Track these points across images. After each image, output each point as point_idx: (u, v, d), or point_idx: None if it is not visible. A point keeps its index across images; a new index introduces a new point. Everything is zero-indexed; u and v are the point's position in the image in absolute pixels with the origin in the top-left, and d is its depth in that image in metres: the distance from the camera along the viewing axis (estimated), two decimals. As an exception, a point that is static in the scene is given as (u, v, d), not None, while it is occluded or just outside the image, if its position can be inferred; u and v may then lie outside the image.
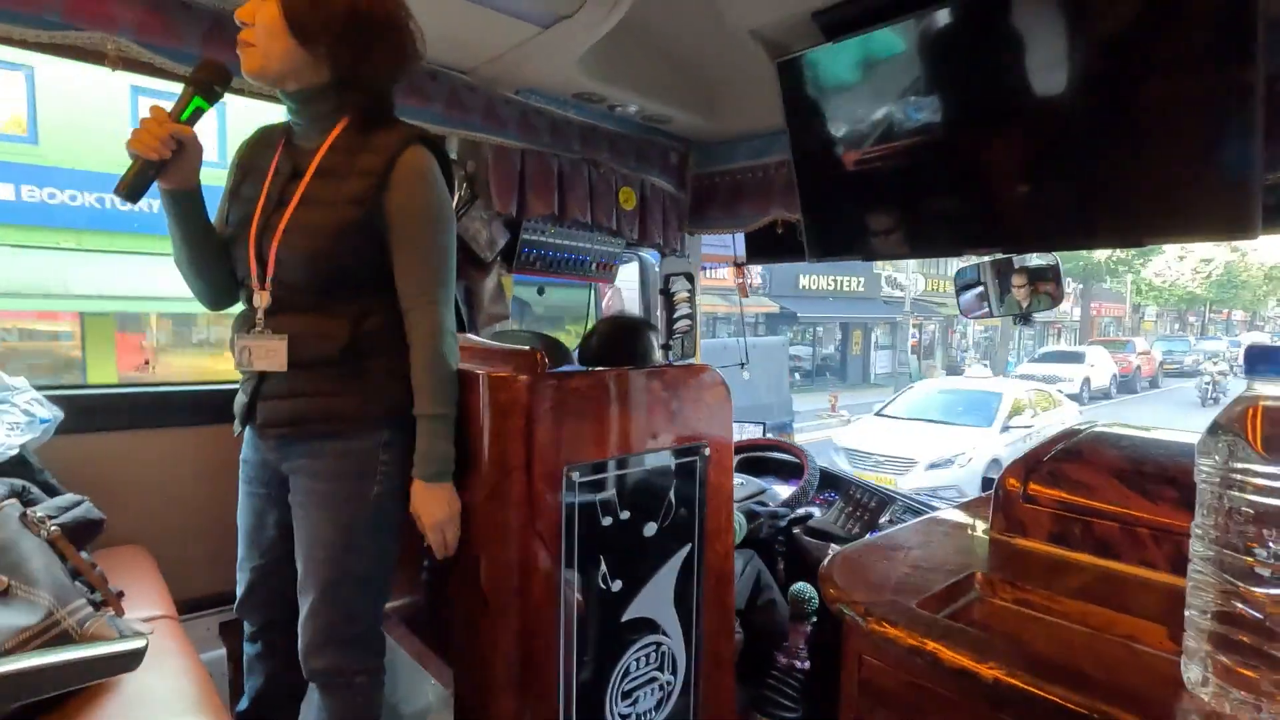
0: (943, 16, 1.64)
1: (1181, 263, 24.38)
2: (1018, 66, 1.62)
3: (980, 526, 0.73)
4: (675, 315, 2.51)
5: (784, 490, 2.19)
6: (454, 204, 1.90)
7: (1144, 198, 1.55)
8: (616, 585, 1.29)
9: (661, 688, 1.38)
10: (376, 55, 1.13)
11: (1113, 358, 18.10)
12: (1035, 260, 2.13)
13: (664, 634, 1.38)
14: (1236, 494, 0.42)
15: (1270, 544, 0.41)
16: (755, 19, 1.84)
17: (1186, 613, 0.45)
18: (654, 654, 1.36)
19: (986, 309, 2.26)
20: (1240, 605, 0.42)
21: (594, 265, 2.28)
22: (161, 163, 1.06)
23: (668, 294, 2.49)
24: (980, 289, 2.25)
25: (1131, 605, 0.52)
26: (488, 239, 1.86)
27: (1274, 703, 0.40)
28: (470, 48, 1.75)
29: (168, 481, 1.58)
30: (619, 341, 1.71)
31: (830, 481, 2.29)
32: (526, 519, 1.15)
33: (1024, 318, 2.06)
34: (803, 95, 1.97)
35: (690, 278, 2.55)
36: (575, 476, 1.20)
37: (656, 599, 1.36)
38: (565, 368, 1.46)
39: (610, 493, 1.26)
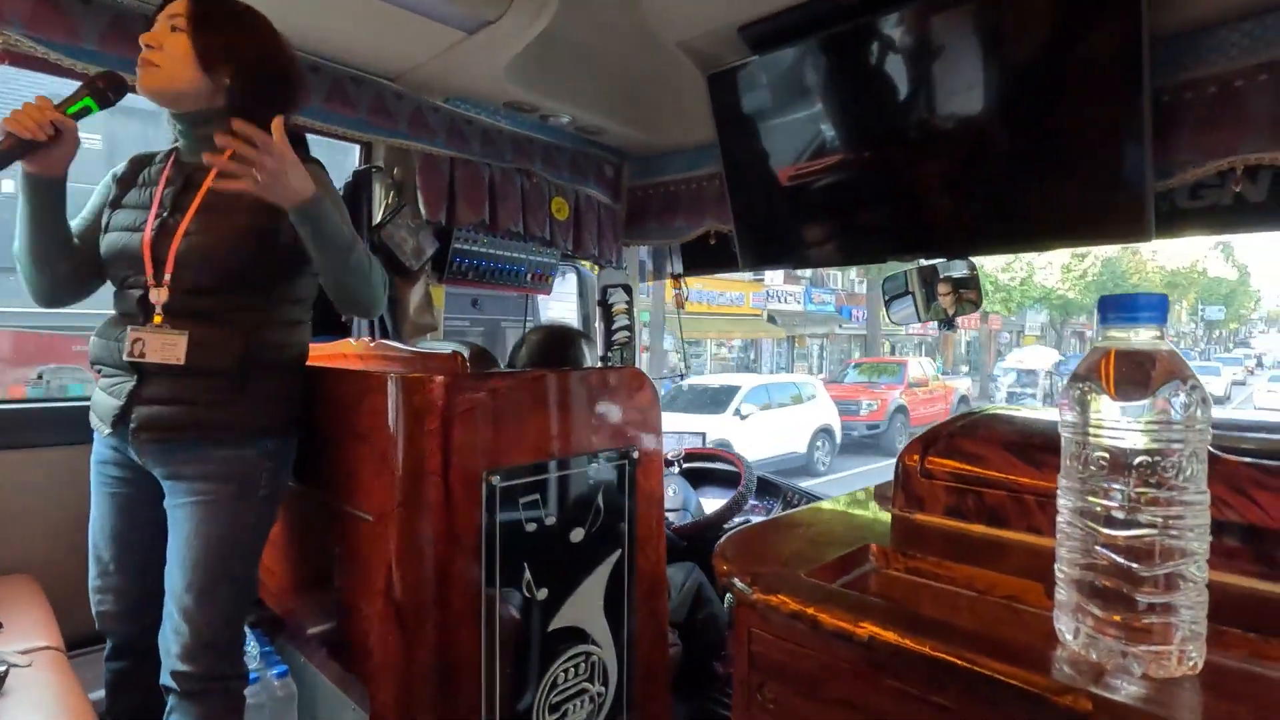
0: (863, 34, 1.70)
1: (1050, 266, 21.49)
2: (937, 85, 1.69)
3: (883, 505, 0.74)
4: (614, 326, 2.50)
5: (722, 500, 2.19)
6: (380, 211, 1.87)
7: (1052, 206, 1.64)
8: (542, 593, 1.25)
9: (592, 699, 1.34)
10: (270, 92, 1.17)
11: (869, 392, 12.43)
12: (958, 269, 2.21)
13: (594, 643, 1.34)
14: (1094, 439, 0.43)
15: (1122, 484, 0.42)
16: (683, 32, 1.87)
17: (1056, 566, 0.45)
18: (583, 664, 1.33)
19: (915, 315, 2.32)
20: (1101, 549, 0.42)
21: (529, 276, 2.25)
22: (33, 144, 1.04)
23: (605, 305, 2.48)
24: (909, 297, 2.32)
25: (1016, 568, 0.52)
26: (414, 248, 1.82)
27: (1136, 644, 0.41)
28: (396, 54, 1.73)
29: (50, 506, 1.47)
30: (549, 351, 1.69)
31: (767, 488, 2.31)
32: (444, 527, 1.11)
33: (948, 323, 2.13)
34: (732, 108, 2.01)
35: (628, 289, 2.55)
36: (497, 481, 1.17)
37: (586, 607, 1.33)
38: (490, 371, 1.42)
39: (535, 497, 1.23)
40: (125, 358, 1.12)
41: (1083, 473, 0.44)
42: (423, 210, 1.88)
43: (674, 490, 2.28)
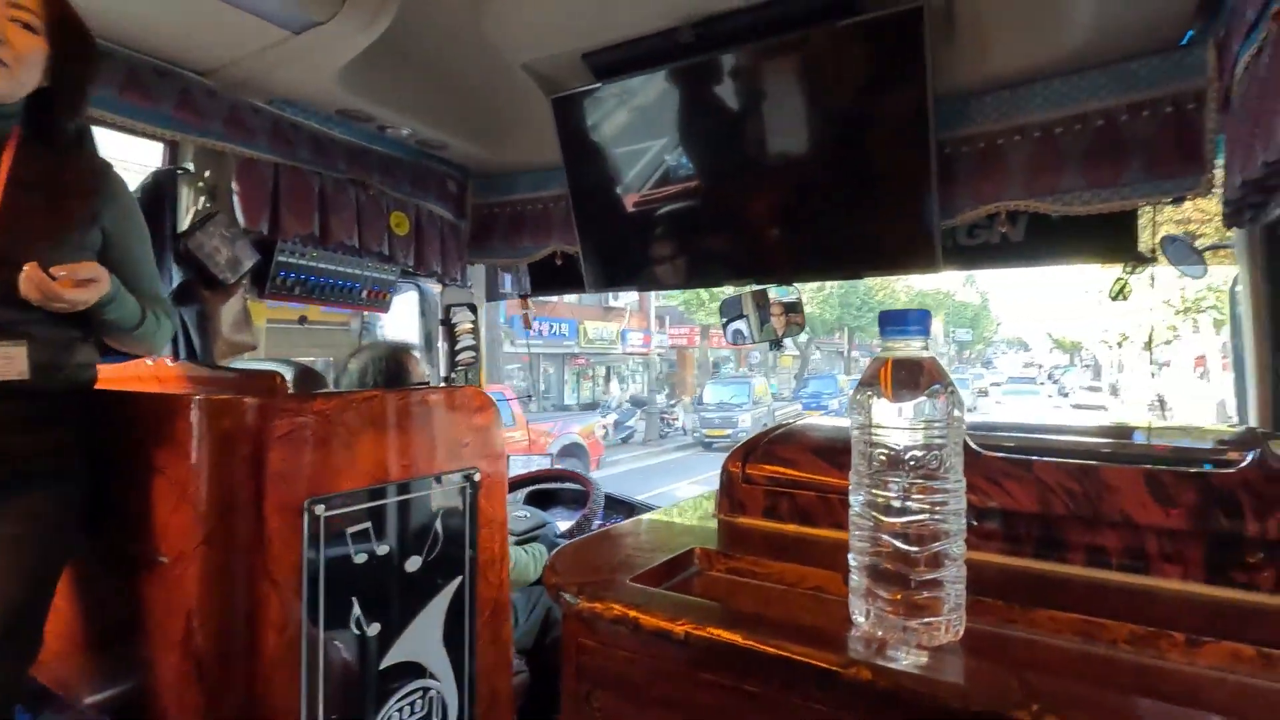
0: (702, 71, 1.81)
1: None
2: (768, 125, 1.83)
3: (711, 512, 0.78)
4: (458, 346, 2.42)
5: (572, 520, 2.18)
6: (189, 217, 1.68)
7: (863, 240, 1.84)
8: (373, 629, 1.17)
9: (430, 738, 1.27)
10: (83, 93, 1.14)
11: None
12: (786, 294, 2.40)
13: (432, 677, 1.27)
14: (877, 439, 0.48)
15: (899, 477, 0.47)
16: (527, 54, 1.88)
17: (849, 555, 0.50)
18: (420, 701, 1.25)
19: (749, 337, 2.48)
20: (884, 537, 0.47)
21: (365, 293, 2.13)
22: None
23: (449, 324, 2.40)
24: (744, 320, 2.48)
25: (822, 561, 0.56)
26: (229, 259, 1.66)
27: (914, 618, 0.46)
28: (208, 46, 1.57)
29: None
30: (375, 370, 1.61)
31: (616, 505, 2.33)
32: (257, 563, 1.00)
33: (777, 343, 2.30)
34: (577, 132, 2.05)
35: (474, 308, 2.49)
36: (321, 511, 1.08)
37: (422, 640, 1.26)
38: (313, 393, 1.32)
39: (365, 526, 1.15)
40: None
41: (868, 469, 0.49)
42: (240, 219, 1.72)
43: (524, 513, 2.24)
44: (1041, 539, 0.58)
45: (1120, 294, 1.70)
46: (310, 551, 1.06)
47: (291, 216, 1.79)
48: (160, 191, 1.65)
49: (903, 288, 27.87)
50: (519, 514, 2.21)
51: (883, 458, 0.48)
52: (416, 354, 1.72)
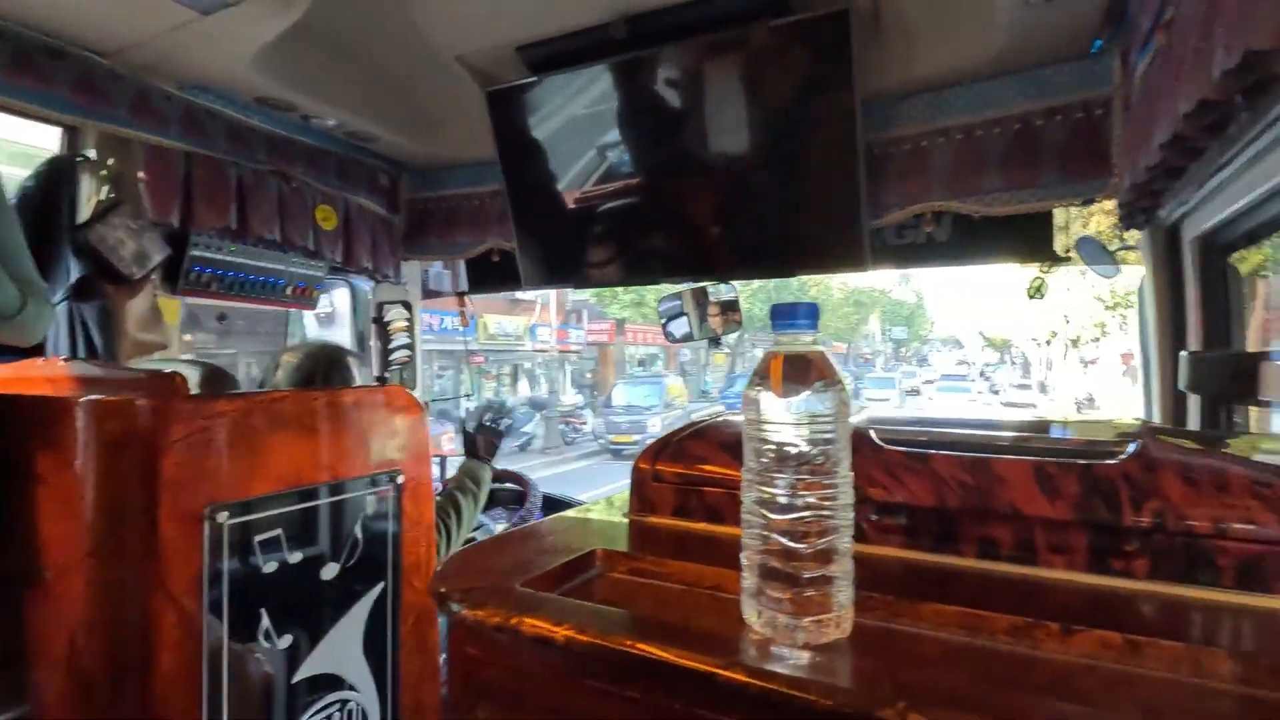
0: (639, 67, 1.79)
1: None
2: (704, 123, 1.83)
3: (624, 511, 0.76)
4: (391, 345, 2.35)
5: (505, 521, 2.14)
6: (90, 206, 1.58)
7: (798, 238, 1.86)
8: (285, 641, 1.11)
9: (350, 752, 1.22)
10: None
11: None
12: (724, 293, 2.41)
13: (351, 689, 1.22)
14: (766, 435, 0.47)
15: (787, 472, 0.46)
16: (460, 46, 1.84)
17: (741, 555, 0.49)
18: (339, 714, 1.20)
19: (690, 334, 2.49)
20: (772, 535, 0.46)
21: (289, 289, 2.04)
22: None
23: (382, 323, 2.33)
24: (684, 318, 2.48)
25: (723, 559, 0.55)
26: (135, 252, 1.56)
27: (803, 616, 0.45)
28: (107, 25, 1.48)
29: None
30: (309, 373, 1.54)
31: (556, 506, 2.30)
32: (150, 576, 0.94)
33: (716, 341, 2.31)
34: (513, 127, 2.01)
35: (408, 305, 2.42)
36: (224, 519, 1.02)
37: (341, 650, 1.21)
38: (217, 394, 1.26)
39: (275, 534, 1.09)
40: None
41: (758, 464, 0.48)
42: (148, 210, 1.62)
43: (457, 516, 2.19)
44: (938, 532, 0.59)
45: (1037, 292, 1.76)
46: (212, 561, 1.00)
47: (205, 208, 1.70)
48: (57, 180, 1.54)
49: (838, 284, 28.17)
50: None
51: (771, 453, 0.47)
52: (352, 357, 1.65)
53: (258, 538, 1.07)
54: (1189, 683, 0.40)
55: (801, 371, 0.47)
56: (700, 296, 2.40)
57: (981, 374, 38.23)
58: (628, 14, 1.65)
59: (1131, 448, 0.58)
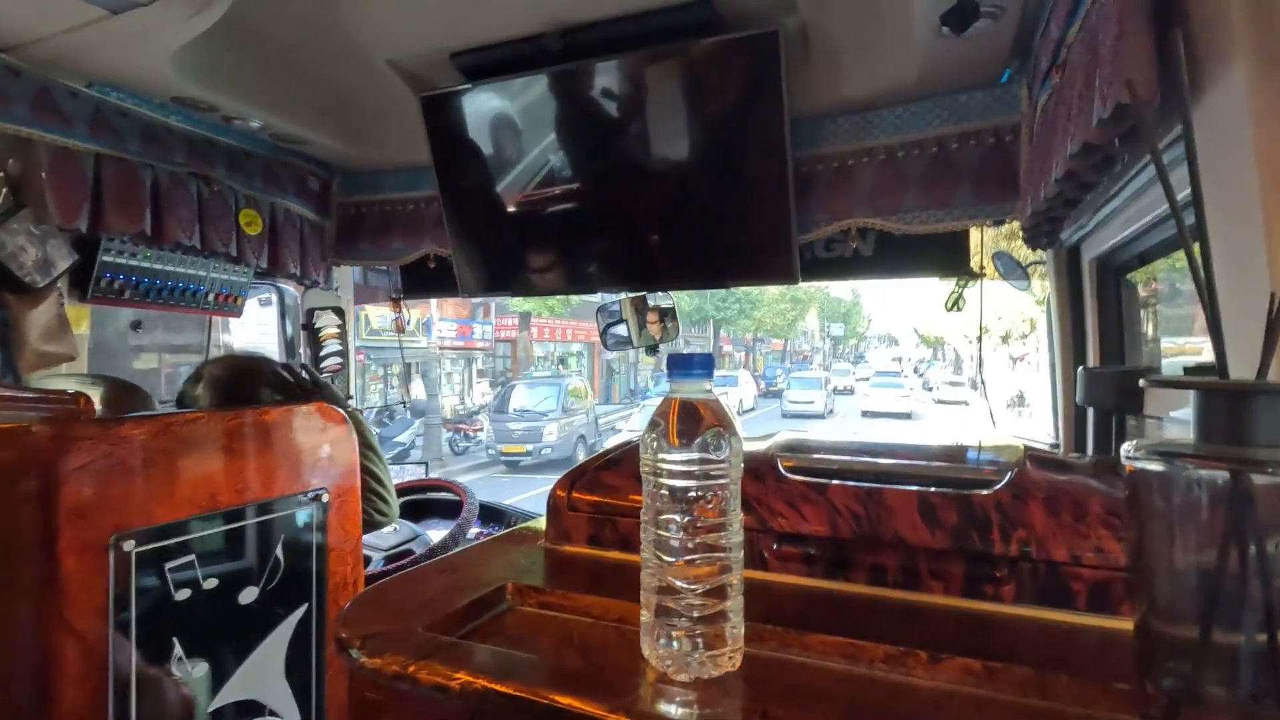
0: (572, 79, 1.80)
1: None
2: (641, 135, 1.85)
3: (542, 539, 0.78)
4: (323, 353, 2.29)
5: (443, 531, 2.12)
6: (-15, 212, 1.48)
7: (733, 250, 1.90)
8: (199, 670, 1.08)
9: (272, 779, 1.19)
10: None
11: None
12: (663, 300, 2.44)
13: (273, 714, 1.20)
14: (662, 479, 0.49)
15: (680, 514, 0.48)
16: (392, 51, 1.80)
17: (641, 593, 0.51)
18: (259, 741, 1.17)
19: (629, 341, 2.51)
20: (667, 577, 0.48)
21: (211, 296, 1.96)
22: None
23: (312, 330, 2.27)
24: (623, 325, 2.50)
25: (631, 590, 0.57)
26: (38, 259, 1.48)
27: (698, 652, 0.47)
28: (7, 19, 1.39)
29: None
30: (230, 388, 1.49)
31: (492, 515, 2.29)
32: (48, 610, 0.90)
33: (653, 349, 2.34)
34: (448, 133, 1.98)
35: (340, 312, 2.36)
36: (131, 547, 0.98)
37: (261, 675, 1.18)
38: (124, 415, 1.21)
39: (188, 559, 1.06)
40: None
41: (654, 507, 0.50)
42: (53, 215, 1.53)
43: (391, 528, 2.15)
44: (833, 560, 0.62)
45: (955, 305, 1.85)
46: (118, 591, 0.97)
47: (117, 213, 1.62)
48: (-52, 182, 1.45)
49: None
50: (389, 528, 2.13)
51: (665, 496, 0.49)
52: (280, 370, 1.60)
53: (169, 565, 1.04)
54: (1032, 705, 0.44)
55: (695, 418, 0.49)
56: (640, 304, 2.43)
57: (916, 371, 39.34)
58: (562, 26, 1.66)
59: (1007, 477, 0.62)
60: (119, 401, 1.25)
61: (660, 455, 0.49)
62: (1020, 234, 1.57)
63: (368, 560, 1.98)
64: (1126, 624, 0.48)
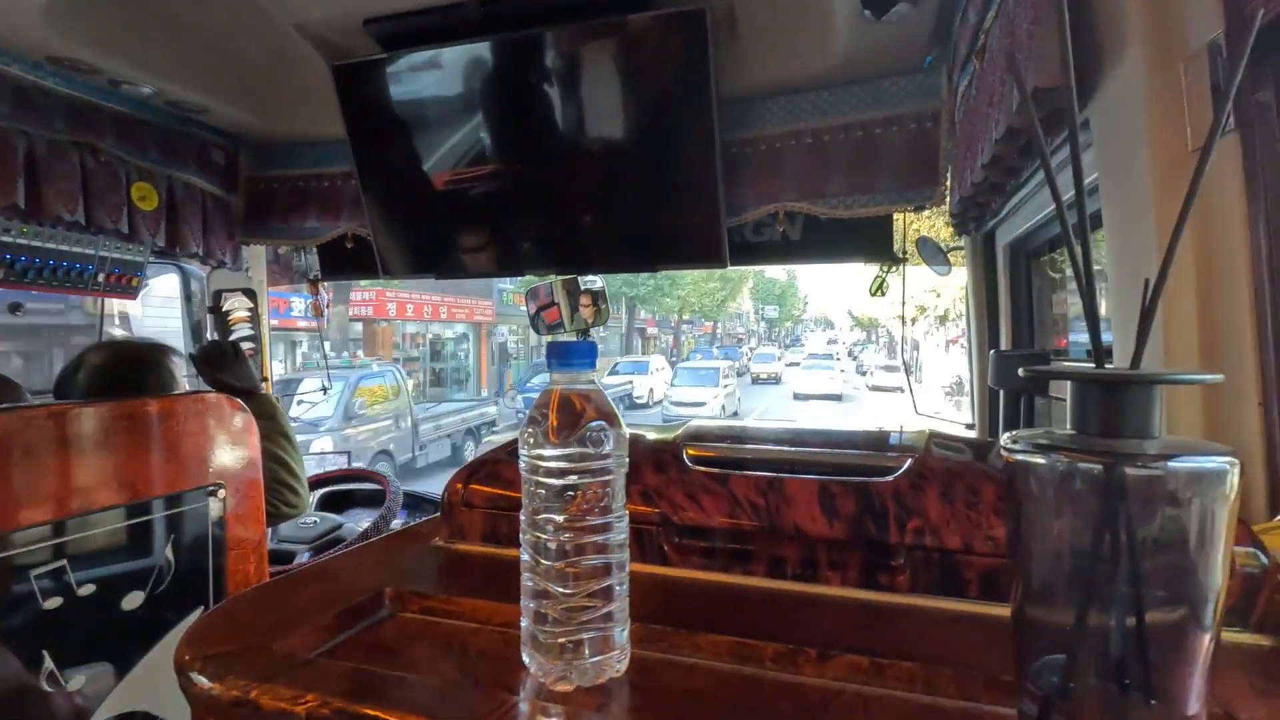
0: (489, 52, 1.72)
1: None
2: (561, 113, 1.79)
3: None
4: (232, 337, 2.16)
5: (366, 522, 2.04)
6: None
7: (663, 233, 1.87)
8: (76, 682, 1.00)
9: (165, 793, 1.12)
10: None
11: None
12: (594, 283, 2.40)
13: (165, 725, 1.12)
14: (539, 477, 0.46)
15: (560, 512, 0.45)
16: (300, 14, 1.68)
17: (521, 597, 0.47)
18: (151, 754, 1.10)
19: (561, 325, 2.46)
20: (545, 582, 0.45)
21: (101, 276, 1.81)
22: None
23: (219, 312, 2.13)
24: (554, 307, 2.45)
25: (519, 594, 0.54)
26: (-115, 234, 1.32)
27: (583, 658, 0.44)
28: None
29: None
30: (116, 376, 1.38)
31: (420, 503, 2.22)
32: (-115, 627, 0.81)
33: (585, 332, 2.30)
34: (363, 106, 1.88)
35: (251, 293, 2.22)
36: (-11, 552, 0.89)
37: (152, 684, 1.10)
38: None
39: (59, 564, 0.97)
40: None
41: (531, 506, 0.47)
42: (-96, 184, 1.38)
43: (313, 519, 2.06)
44: (733, 552, 0.61)
45: (879, 290, 1.88)
46: (-27, 603, 0.88)
47: (-17, 184, 1.47)
48: None
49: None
50: (307, 520, 2.04)
51: (543, 495, 0.46)
52: (176, 358, 1.48)
53: (35, 571, 0.95)
54: (917, 700, 0.43)
55: (576, 410, 0.46)
56: (571, 286, 2.38)
57: (850, 354, 39.61)
58: (482, -6, 1.58)
59: (906, 464, 0.62)
60: (-20, 393, 1.13)
61: (537, 451, 0.46)
62: (948, 220, 1.60)
63: (291, 555, 1.89)
64: (1011, 612, 0.48)
